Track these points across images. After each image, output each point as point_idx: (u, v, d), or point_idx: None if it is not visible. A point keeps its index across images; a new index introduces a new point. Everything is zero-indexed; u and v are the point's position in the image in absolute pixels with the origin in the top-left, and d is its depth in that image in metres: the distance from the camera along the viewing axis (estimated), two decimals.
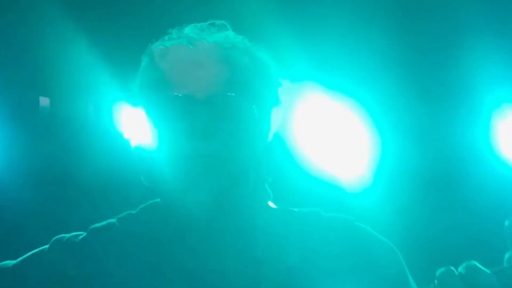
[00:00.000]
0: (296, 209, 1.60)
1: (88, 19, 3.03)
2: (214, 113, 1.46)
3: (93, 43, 3.02)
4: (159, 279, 1.45)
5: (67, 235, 1.60)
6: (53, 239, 1.59)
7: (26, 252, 1.58)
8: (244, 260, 1.45)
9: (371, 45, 3.05)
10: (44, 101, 3.07)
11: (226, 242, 1.48)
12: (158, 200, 1.59)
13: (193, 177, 1.45)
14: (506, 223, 1.09)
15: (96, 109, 3.40)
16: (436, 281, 1.07)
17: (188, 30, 1.60)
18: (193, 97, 1.47)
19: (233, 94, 1.48)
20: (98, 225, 1.61)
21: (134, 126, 3.29)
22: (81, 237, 1.59)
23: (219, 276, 1.43)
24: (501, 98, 3.14)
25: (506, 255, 1.08)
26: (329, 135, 3.27)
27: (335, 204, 2.96)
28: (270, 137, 1.61)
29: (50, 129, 3.37)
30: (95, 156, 3.31)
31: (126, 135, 3.39)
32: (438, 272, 1.07)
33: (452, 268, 1.07)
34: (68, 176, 3.28)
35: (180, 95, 1.48)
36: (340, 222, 1.56)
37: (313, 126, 3.25)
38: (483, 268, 1.07)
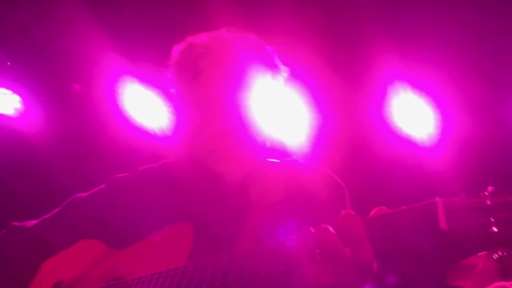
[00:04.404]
0: (277, 160, 1.75)
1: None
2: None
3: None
4: (174, 205, 1.62)
5: (119, 176, 1.80)
6: (109, 179, 1.80)
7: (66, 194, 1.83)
8: (238, 201, 1.60)
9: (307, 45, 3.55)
10: (75, 87, 3.72)
11: (225, 187, 1.63)
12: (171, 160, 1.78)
13: (208, 145, 1.60)
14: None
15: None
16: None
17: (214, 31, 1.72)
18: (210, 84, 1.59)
19: (244, 84, 1.60)
20: (140, 168, 1.81)
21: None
22: (129, 177, 1.79)
23: (217, 212, 1.60)
24: (396, 80, 3.81)
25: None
26: (279, 112, 3.89)
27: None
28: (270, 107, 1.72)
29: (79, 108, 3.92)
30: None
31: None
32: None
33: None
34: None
35: (198, 80, 1.61)
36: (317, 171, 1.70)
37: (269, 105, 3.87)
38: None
